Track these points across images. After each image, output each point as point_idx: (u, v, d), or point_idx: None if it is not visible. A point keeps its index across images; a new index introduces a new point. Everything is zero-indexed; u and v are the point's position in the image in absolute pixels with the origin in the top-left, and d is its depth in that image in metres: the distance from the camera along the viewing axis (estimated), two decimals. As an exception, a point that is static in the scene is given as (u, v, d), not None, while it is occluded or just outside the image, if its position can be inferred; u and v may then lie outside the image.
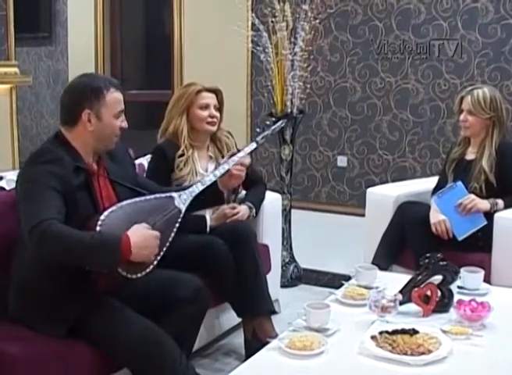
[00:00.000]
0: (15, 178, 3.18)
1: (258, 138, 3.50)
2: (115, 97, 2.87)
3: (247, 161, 3.44)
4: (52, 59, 9.48)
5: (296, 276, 4.98)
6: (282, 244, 4.73)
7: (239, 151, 3.47)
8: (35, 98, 9.58)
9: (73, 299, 2.72)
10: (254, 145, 3.46)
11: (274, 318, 3.67)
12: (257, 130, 3.55)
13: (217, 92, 3.95)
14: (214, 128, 3.90)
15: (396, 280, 3.16)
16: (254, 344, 3.33)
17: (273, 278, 4.08)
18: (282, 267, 4.69)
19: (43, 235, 2.52)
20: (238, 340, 3.84)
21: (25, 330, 2.71)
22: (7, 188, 3.28)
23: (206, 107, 3.86)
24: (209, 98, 3.89)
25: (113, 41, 8.86)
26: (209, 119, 3.86)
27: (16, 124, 5.99)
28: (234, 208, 3.79)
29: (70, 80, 8.54)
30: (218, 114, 3.90)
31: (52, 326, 2.70)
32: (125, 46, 8.96)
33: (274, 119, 3.71)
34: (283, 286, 4.63)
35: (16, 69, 5.99)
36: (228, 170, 3.33)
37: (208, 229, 3.69)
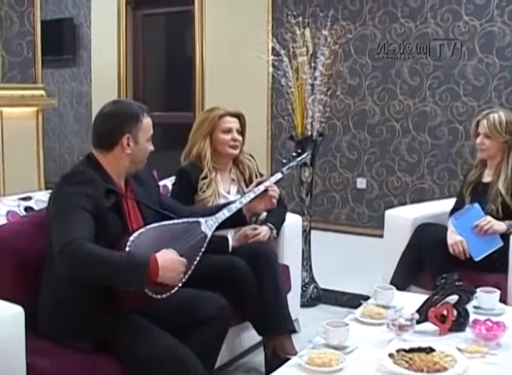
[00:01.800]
0: (43, 198, 3.29)
1: (284, 169, 3.53)
2: (148, 122, 3.01)
3: (277, 193, 3.50)
4: (76, 81, 9.63)
5: (315, 297, 5.03)
6: (302, 264, 4.79)
7: (262, 181, 3.50)
8: (59, 119, 9.71)
9: (102, 315, 2.80)
10: (279, 175, 3.49)
11: (294, 337, 3.71)
12: (284, 160, 3.60)
13: (239, 116, 4.03)
14: (236, 151, 3.99)
15: (413, 299, 3.22)
16: (275, 363, 3.33)
17: (293, 298, 4.13)
18: (302, 287, 4.75)
19: (74, 254, 2.60)
20: (259, 358, 3.89)
21: (53, 344, 2.78)
22: (35, 208, 3.33)
23: (229, 131, 3.94)
24: (232, 123, 3.97)
25: (135, 64, 8.99)
26: (232, 143, 3.94)
27: (41, 146, 6.09)
28: (255, 229, 3.85)
29: (93, 101, 8.61)
30: (240, 138, 3.98)
31: (81, 341, 2.78)
32: (147, 68, 9.08)
33: (300, 150, 3.78)
34: (303, 306, 4.68)
35: (42, 92, 6.10)
36: (253, 198, 3.40)
37: (230, 249, 3.76)
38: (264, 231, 3.86)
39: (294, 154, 3.67)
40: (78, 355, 2.74)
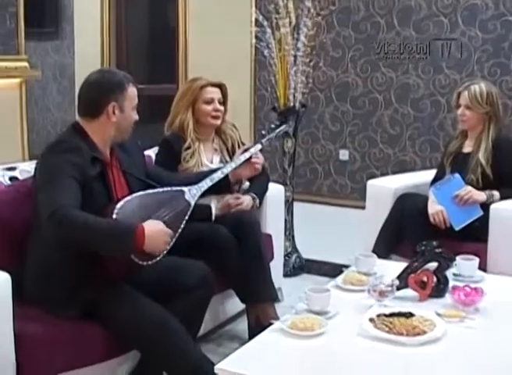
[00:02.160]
0: (28, 168, 3.31)
1: (263, 140, 3.63)
2: (133, 91, 3.06)
3: (260, 159, 3.62)
4: (59, 54, 9.55)
5: (298, 266, 5.07)
6: (285, 234, 4.83)
7: (245, 150, 3.60)
8: (42, 92, 9.65)
9: (88, 283, 2.84)
10: (259, 146, 3.59)
11: (277, 305, 3.76)
12: (263, 132, 3.68)
13: (221, 86, 4.05)
14: (218, 122, 4.02)
15: (393, 267, 3.27)
16: (258, 330, 3.34)
17: (276, 267, 4.16)
18: (284, 257, 4.79)
19: (62, 220, 2.63)
20: (242, 326, 3.93)
21: (40, 311, 2.81)
22: (20, 178, 3.34)
23: (211, 101, 3.97)
24: (214, 93, 4.00)
25: (119, 36, 8.94)
26: (214, 113, 3.97)
27: (25, 117, 6.10)
28: (238, 198, 3.88)
29: (76, 73, 8.50)
30: (222, 108, 4.01)
31: (67, 308, 2.82)
32: (130, 41, 9.04)
33: (278, 122, 3.84)
34: (286, 275, 4.73)
35: (25, 64, 6.09)
36: (235, 167, 3.48)
37: (213, 218, 3.79)
38: (247, 200, 3.90)
39: (273, 125, 3.73)
40: (65, 322, 2.78)
